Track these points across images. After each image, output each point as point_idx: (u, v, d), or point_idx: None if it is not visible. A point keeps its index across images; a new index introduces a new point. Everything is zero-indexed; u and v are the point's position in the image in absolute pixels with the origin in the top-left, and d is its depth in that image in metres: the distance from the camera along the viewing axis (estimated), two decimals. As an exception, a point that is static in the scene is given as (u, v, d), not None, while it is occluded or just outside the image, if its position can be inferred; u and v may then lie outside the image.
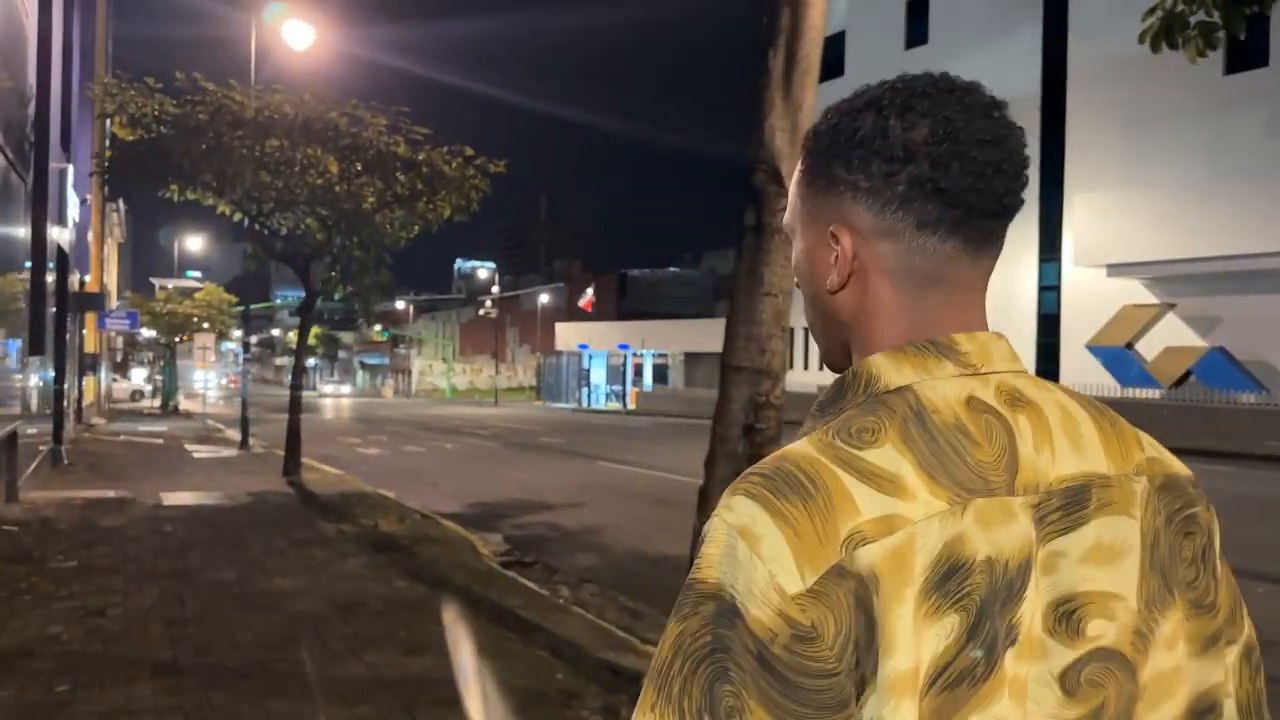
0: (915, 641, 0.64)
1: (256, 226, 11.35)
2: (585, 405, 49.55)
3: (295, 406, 12.15)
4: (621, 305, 63.20)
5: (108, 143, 10.23)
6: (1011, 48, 29.19)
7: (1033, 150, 0.85)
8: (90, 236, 22.54)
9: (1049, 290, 28.53)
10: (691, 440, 22.43)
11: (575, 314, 58.17)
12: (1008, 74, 28.92)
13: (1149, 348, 24.55)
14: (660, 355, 48.28)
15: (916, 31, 33.02)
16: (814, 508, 0.66)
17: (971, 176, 0.73)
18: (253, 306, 63.68)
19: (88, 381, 22.18)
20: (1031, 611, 0.68)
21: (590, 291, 59.61)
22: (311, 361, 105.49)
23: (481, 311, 61.16)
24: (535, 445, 19.60)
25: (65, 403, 13.96)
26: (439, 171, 10.73)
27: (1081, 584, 0.71)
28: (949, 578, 0.66)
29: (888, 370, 0.75)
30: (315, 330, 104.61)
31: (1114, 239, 24.45)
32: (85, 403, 22.31)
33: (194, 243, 48.88)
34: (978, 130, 0.74)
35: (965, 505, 0.67)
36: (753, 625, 0.63)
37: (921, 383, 0.73)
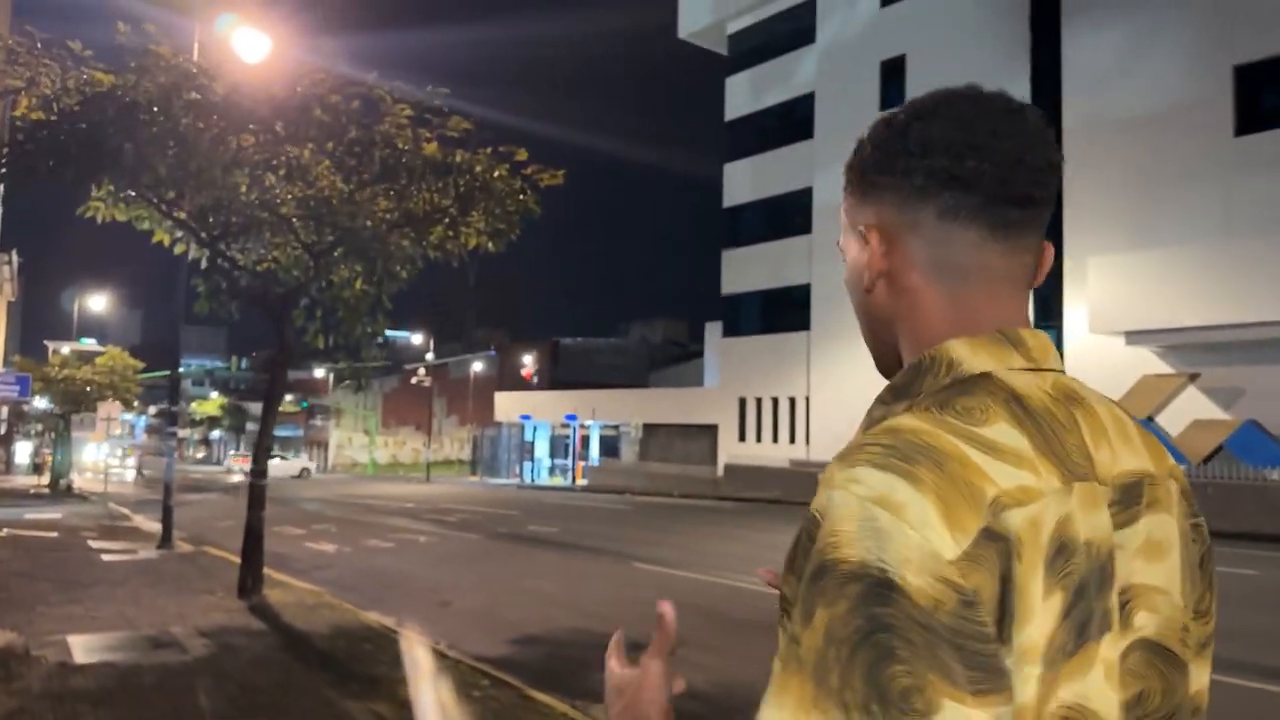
0: (1042, 613, 0.64)
1: (220, 254, 8.22)
2: (529, 481, 46.10)
3: (257, 501, 8.91)
4: (555, 374, 60.28)
5: (15, 123, 7.09)
6: (997, 109, 28.02)
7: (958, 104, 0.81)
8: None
9: (1046, 359, 26.87)
10: (704, 525, 19.29)
11: (508, 383, 54.93)
12: (994, 135, 27.75)
13: (1167, 421, 22.92)
14: (609, 427, 45.39)
15: (892, 92, 31.78)
16: (950, 473, 0.64)
17: (990, 164, 0.75)
18: (159, 374, 58.54)
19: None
20: (1114, 600, 0.70)
21: (530, 360, 56.61)
22: (215, 434, 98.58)
23: (414, 380, 57.20)
24: (526, 537, 16.40)
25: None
26: (481, 183, 7.87)
27: (1134, 576, 0.72)
28: (1058, 556, 0.66)
29: (966, 356, 0.75)
30: (219, 400, 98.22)
31: (1132, 305, 22.94)
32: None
33: (95, 303, 44.10)
34: (997, 125, 0.76)
35: (1071, 486, 0.68)
36: (916, 596, 0.60)
37: (1000, 370, 0.74)
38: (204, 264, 9.48)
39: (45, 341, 40.16)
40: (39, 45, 7.36)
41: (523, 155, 8.07)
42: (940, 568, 0.61)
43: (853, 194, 0.84)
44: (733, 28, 38.67)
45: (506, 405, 50.22)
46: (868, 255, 0.80)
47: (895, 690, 0.59)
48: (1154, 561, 0.74)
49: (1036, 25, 27.56)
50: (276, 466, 51.21)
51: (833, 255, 32.50)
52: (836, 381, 31.51)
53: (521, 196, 8.24)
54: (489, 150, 8.00)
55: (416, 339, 54.51)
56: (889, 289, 0.80)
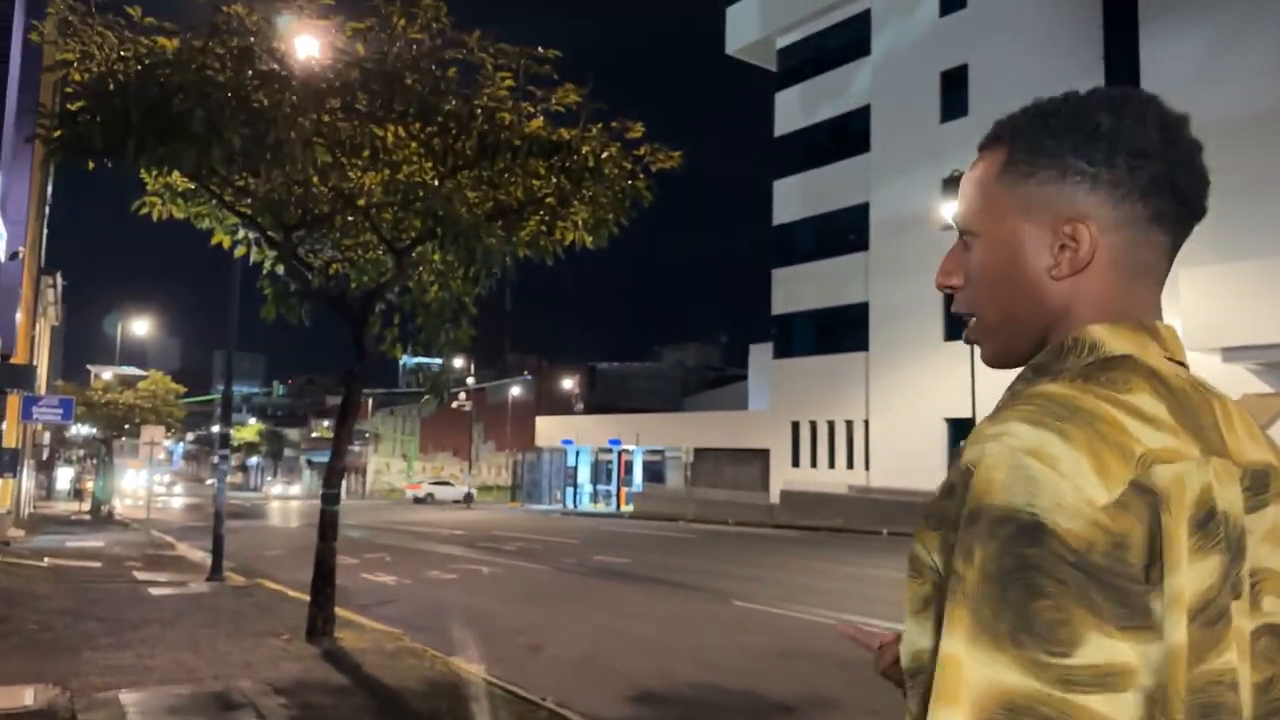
0: (1189, 569, 0.67)
1: (290, 251, 7.21)
2: (572, 507, 44.95)
3: (329, 530, 7.84)
4: (591, 399, 59.31)
5: (66, 91, 6.15)
6: (1068, 118, 26.72)
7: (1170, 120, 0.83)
8: (20, 315, 18.04)
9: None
10: (778, 556, 17.69)
11: (545, 408, 53.85)
12: (1065, 145, 26.45)
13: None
14: (653, 452, 44.20)
15: (954, 103, 30.58)
16: (1100, 432, 0.68)
17: (1196, 179, 0.80)
18: (199, 399, 57.86)
19: (2, 485, 17.35)
20: (1246, 573, 0.71)
21: (572, 384, 55.67)
22: (253, 460, 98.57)
23: (455, 404, 56.37)
24: (597, 569, 15.23)
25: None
26: (589, 166, 6.81)
27: (1264, 560, 0.73)
28: (1207, 521, 0.68)
29: (1109, 339, 0.78)
30: (257, 426, 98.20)
31: (1228, 319, 21.48)
32: (1, 511, 17.48)
33: (138, 327, 43.71)
34: (1192, 140, 0.81)
35: (1209, 459, 0.71)
36: (1067, 538, 0.65)
37: (1141, 354, 0.77)
38: (267, 266, 8.54)
39: (88, 366, 39.89)
40: (93, 12, 6.46)
41: (638, 131, 7.01)
42: (1092, 512, 0.65)
43: (1031, 175, 0.81)
44: (782, 42, 37.75)
45: (547, 430, 49.21)
46: (1061, 244, 0.80)
47: (1042, 623, 0.64)
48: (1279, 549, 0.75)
49: (1110, 30, 26.28)
50: (443, 491, 50.84)
51: (892, 272, 31.21)
52: (899, 404, 30.14)
53: (632, 182, 7.17)
54: (599, 126, 6.95)
55: (457, 363, 53.67)
56: (1076, 279, 0.80)
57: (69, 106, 5.92)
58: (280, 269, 8.49)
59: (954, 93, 30.72)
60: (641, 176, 7.21)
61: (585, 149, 6.86)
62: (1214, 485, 0.69)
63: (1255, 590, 0.72)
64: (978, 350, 0.88)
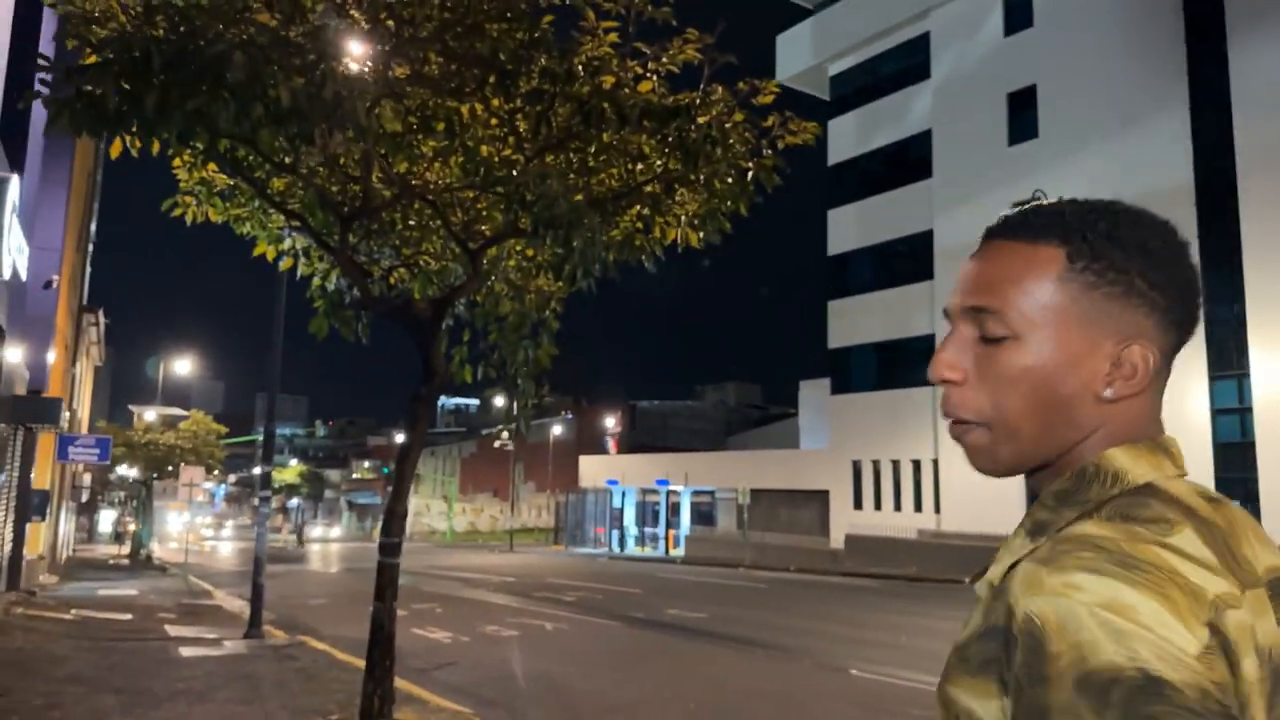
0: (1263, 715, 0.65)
1: (348, 250, 5.95)
2: (618, 550, 43.30)
3: (389, 586, 6.50)
4: (631, 438, 57.80)
5: (71, 38, 4.99)
6: (1148, 137, 25.15)
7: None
8: (54, 350, 17.12)
9: (1226, 414, 23.47)
10: (871, 611, 14.31)
11: (586, 448, 52.44)
12: (1146, 166, 24.78)
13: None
14: (701, 493, 42.53)
15: (1023, 125, 29.14)
16: (1166, 577, 0.65)
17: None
18: (238, 440, 57.14)
19: (32, 529, 16.25)
20: None
21: (614, 423, 54.29)
22: (293, 502, 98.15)
23: (497, 444, 55.14)
24: (672, 625, 13.68)
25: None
26: (712, 137, 5.48)
27: None
28: (1263, 663, 0.66)
29: (1130, 466, 0.76)
30: (298, 468, 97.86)
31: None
32: (29, 557, 16.37)
33: (181, 368, 43.09)
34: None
35: (1244, 595, 0.68)
36: (1184, 689, 0.61)
37: (1160, 479, 0.75)
38: (317, 280, 7.32)
39: (130, 406, 39.25)
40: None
41: (770, 94, 5.68)
42: (1190, 663, 0.61)
43: (1096, 288, 0.77)
44: (835, 69, 36.65)
45: (591, 470, 47.72)
46: (1114, 363, 0.76)
47: None
48: None
49: (1194, 41, 24.76)
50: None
51: (959, 303, 29.67)
52: (971, 441, 28.38)
53: (758, 160, 5.83)
54: (723, 88, 5.64)
55: (499, 401, 52.43)
56: (1125, 401, 0.77)
57: (79, 63, 4.77)
58: (332, 282, 7.29)
59: (1022, 114, 29.33)
60: (769, 154, 5.88)
61: (704, 118, 5.55)
62: (1253, 625, 0.67)
63: None
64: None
